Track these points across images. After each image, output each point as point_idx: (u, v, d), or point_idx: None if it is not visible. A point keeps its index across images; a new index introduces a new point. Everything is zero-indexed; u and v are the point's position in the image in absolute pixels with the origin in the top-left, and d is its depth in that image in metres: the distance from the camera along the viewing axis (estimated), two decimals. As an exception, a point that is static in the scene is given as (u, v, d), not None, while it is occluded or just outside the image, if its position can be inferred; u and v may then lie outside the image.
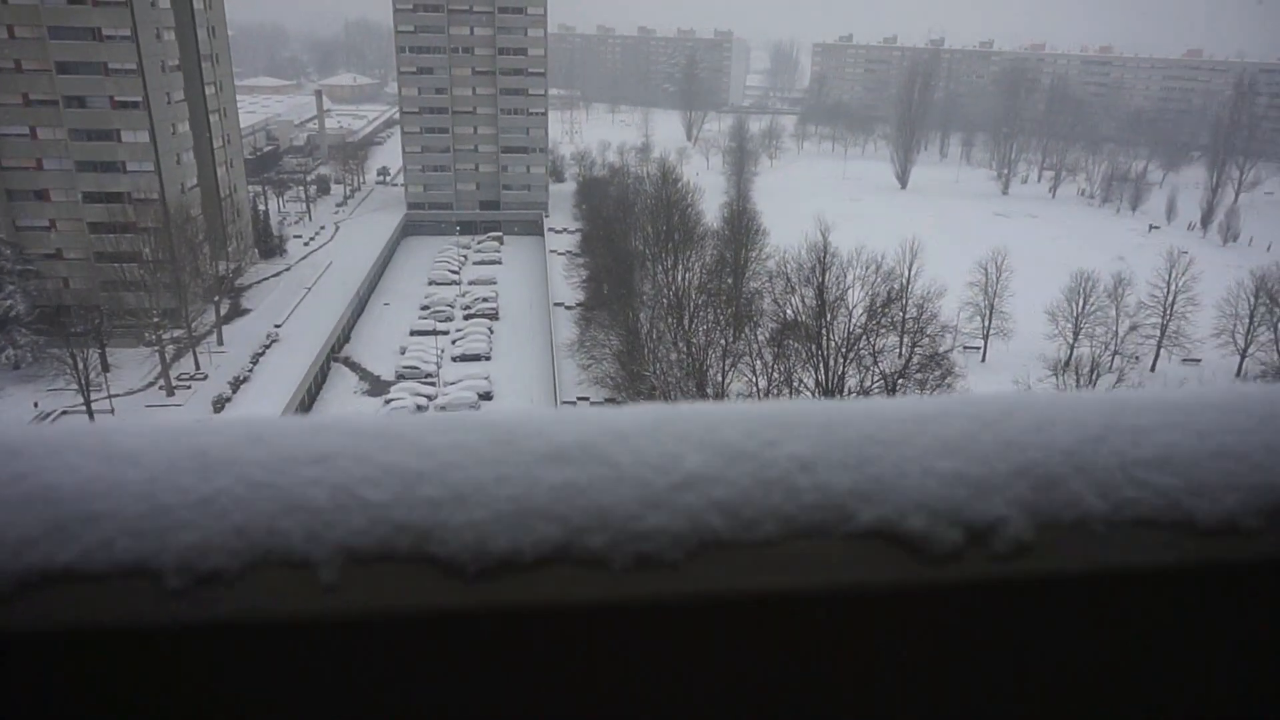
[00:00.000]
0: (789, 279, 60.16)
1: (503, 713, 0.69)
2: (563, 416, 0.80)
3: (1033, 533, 0.74)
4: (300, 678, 0.66)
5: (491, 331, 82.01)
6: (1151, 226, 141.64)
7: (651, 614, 0.68)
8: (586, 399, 65.89)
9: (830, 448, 0.77)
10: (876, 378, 51.55)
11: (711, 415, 0.81)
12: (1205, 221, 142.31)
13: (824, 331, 53.24)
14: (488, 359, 76.07)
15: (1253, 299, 77.54)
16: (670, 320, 69.08)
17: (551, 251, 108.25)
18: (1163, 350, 79.01)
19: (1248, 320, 77.63)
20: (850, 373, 52.66)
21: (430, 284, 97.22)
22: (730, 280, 75.21)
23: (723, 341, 56.77)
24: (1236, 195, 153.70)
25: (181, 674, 0.64)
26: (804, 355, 53.26)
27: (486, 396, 67.32)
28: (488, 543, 0.67)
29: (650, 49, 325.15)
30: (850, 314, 54.76)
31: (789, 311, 58.44)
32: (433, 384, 69.59)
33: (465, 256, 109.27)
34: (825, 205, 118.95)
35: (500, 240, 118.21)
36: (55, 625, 0.62)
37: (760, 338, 57.29)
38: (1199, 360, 78.55)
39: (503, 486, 0.71)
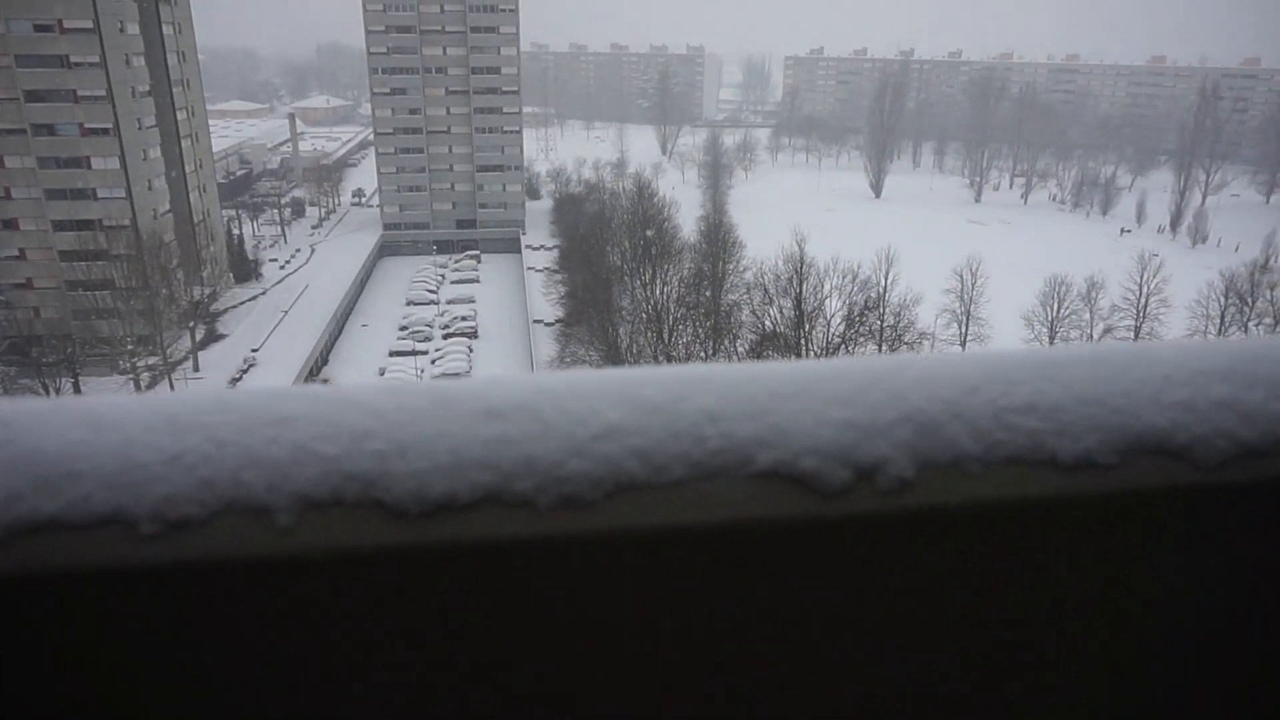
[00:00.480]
0: (766, 290, 60.39)
1: (444, 639, 0.76)
2: (498, 380, 0.90)
3: (913, 471, 0.82)
4: (262, 612, 0.73)
5: (471, 350, 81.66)
6: (1123, 230, 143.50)
7: (574, 549, 0.76)
8: (568, 415, 65.65)
9: (736, 401, 0.85)
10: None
11: (631, 376, 0.89)
12: (1175, 224, 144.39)
13: (803, 342, 53.44)
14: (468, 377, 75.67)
15: (1223, 299, 78.66)
16: (650, 334, 69.13)
17: (529, 269, 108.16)
18: (1137, 352, 79.85)
19: (1219, 320, 78.68)
20: (830, 382, 52.80)
21: (408, 304, 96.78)
22: (708, 293, 75.34)
23: (702, 354, 56.85)
24: (1204, 198, 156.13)
25: (155, 611, 0.71)
26: (784, 366, 53.35)
27: (467, 416, 66.93)
28: (427, 489, 0.75)
29: (623, 65, 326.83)
30: (828, 324, 55.04)
31: (767, 323, 58.67)
32: (413, 405, 69.06)
33: (443, 276, 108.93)
34: (801, 216, 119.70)
35: (478, 259, 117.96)
36: (42, 569, 0.69)
37: (740, 349, 57.44)
38: (1173, 361, 79.49)
39: (442, 440, 0.79)
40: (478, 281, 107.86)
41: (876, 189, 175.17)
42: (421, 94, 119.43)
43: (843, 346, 53.92)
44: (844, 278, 60.66)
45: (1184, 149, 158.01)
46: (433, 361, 78.88)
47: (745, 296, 68.61)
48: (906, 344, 57.19)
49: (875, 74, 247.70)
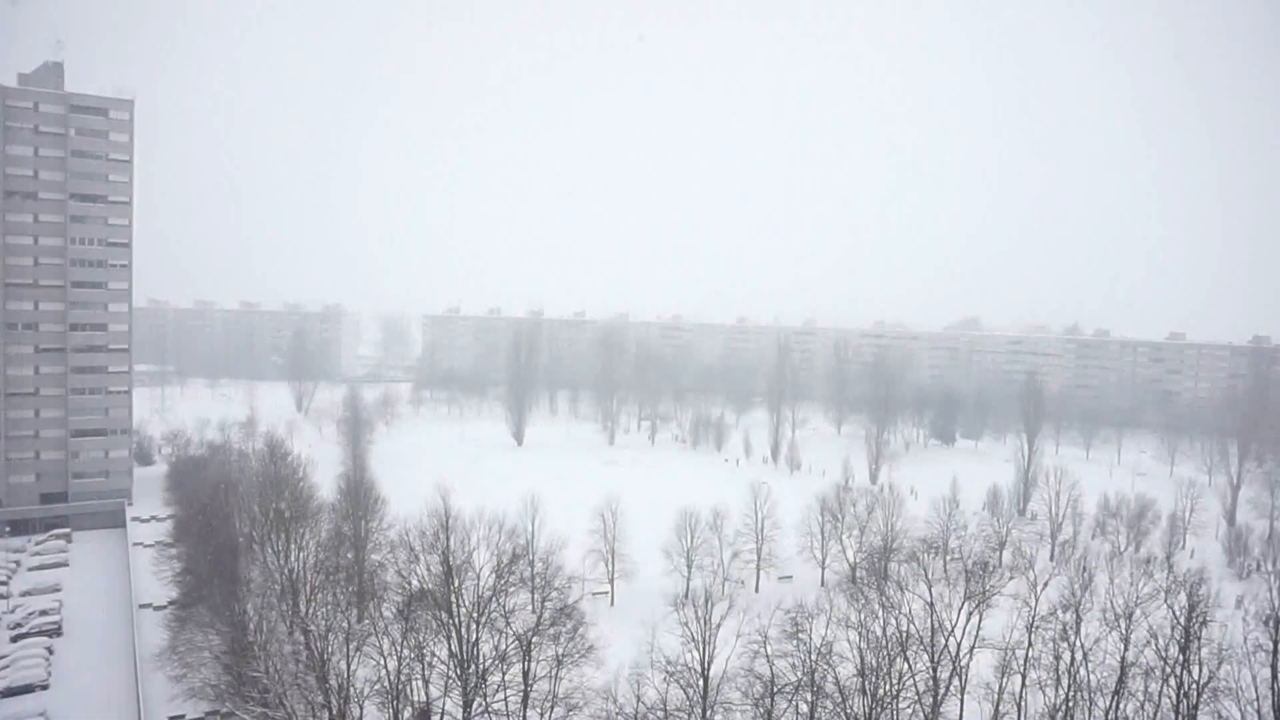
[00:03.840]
0: (412, 548, 58.02)
1: None
2: None
3: None
4: None
5: (51, 653, 67.28)
6: (736, 461, 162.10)
7: None
8: (182, 716, 55.60)
9: None
10: (511, 639, 50.24)
11: None
12: (774, 455, 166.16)
13: (454, 598, 51.33)
14: (45, 688, 61.73)
15: (821, 518, 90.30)
16: (284, 607, 62.30)
17: (137, 544, 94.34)
18: (761, 571, 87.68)
19: (820, 537, 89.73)
20: (484, 637, 50.82)
21: (-35, 602, 78.57)
22: (351, 555, 70.64)
23: (345, 623, 52.10)
24: (793, 431, 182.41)
25: None
26: (435, 625, 50.57)
27: (42, 737, 53.94)
28: None
29: (254, 322, 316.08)
30: (478, 576, 53.71)
31: (415, 581, 55.84)
32: (-39, 734, 54.37)
33: (17, 562, 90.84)
34: (445, 468, 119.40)
35: (68, 537, 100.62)
36: None
37: (387, 613, 53.63)
38: (790, 577, 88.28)
39: None
40: (66, 566, 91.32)
41: (518, 437, 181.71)
42: (0, 351, 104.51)
43: (494, 598, 52.58)
44: (491, 528, 60.41)
45: (772, 391, 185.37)
46: (-4, 672, 63.56)
47: (390, 556, 65.25)
48: (557, 589, 57.37)
49: (509, 330, 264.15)
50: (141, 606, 75.81)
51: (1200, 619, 48.01)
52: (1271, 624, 45.00)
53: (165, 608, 71.66)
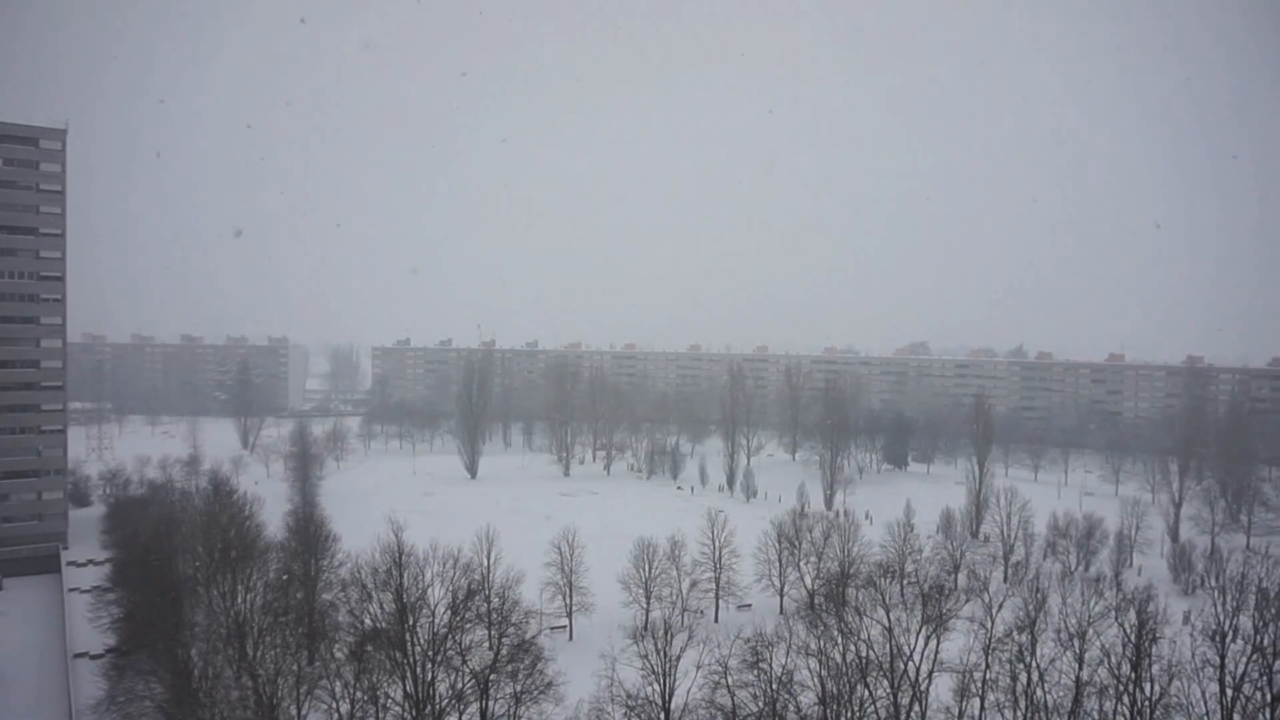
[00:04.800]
0: (364, 586, 56.64)
1: None
2: None
3: None
4: None
5: (-20, 707, 64.09)
6: (692, 489, 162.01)
7: None
8: (121, 770, 53.12)
9: None
10: (468, 677, 49.11)
11: None
12: (730, 482, 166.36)
13: (408, 636, 50.14)
14: (-27, 745, 58.68)
15: (778, 545, 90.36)
16: (231, 651, 60.21)
17: (73, 590, 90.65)
18: (720, 600, 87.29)
19: (778, 564, 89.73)
20: (440, 676, 49.64)
21: (-113, 656, 74.60)
22: (300, 594, 68.68)
23: (295, 666, 50.51)
24: (748, 459, 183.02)
25: None
26: (389, 665, 49.27)
27: (-31, 798, 51.11)
28: None
29: (196, 357, 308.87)
30: (433, 614, 52.57)
31: (368, 620, 54.47)
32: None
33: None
34: (398, 502, 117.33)
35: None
36: None
37: (339, 654, 52.16)
38: (750, 605, 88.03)
39: None
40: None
41: (472, 470, 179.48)
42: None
43: (449, 636, 51.41)
44: (445, 563, 59.24)
45: (726, 419, 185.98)
46: (-81, 730, 60.30)
47: (341, 595, 63.58)
48: (514, 625, 56.34)
49: (461, 362, 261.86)
50: (77, 655, 72.68)
51: (1150, 636, 48.86)
52: (1217, 639, 45.98)
53: (103, 656, 68.75)
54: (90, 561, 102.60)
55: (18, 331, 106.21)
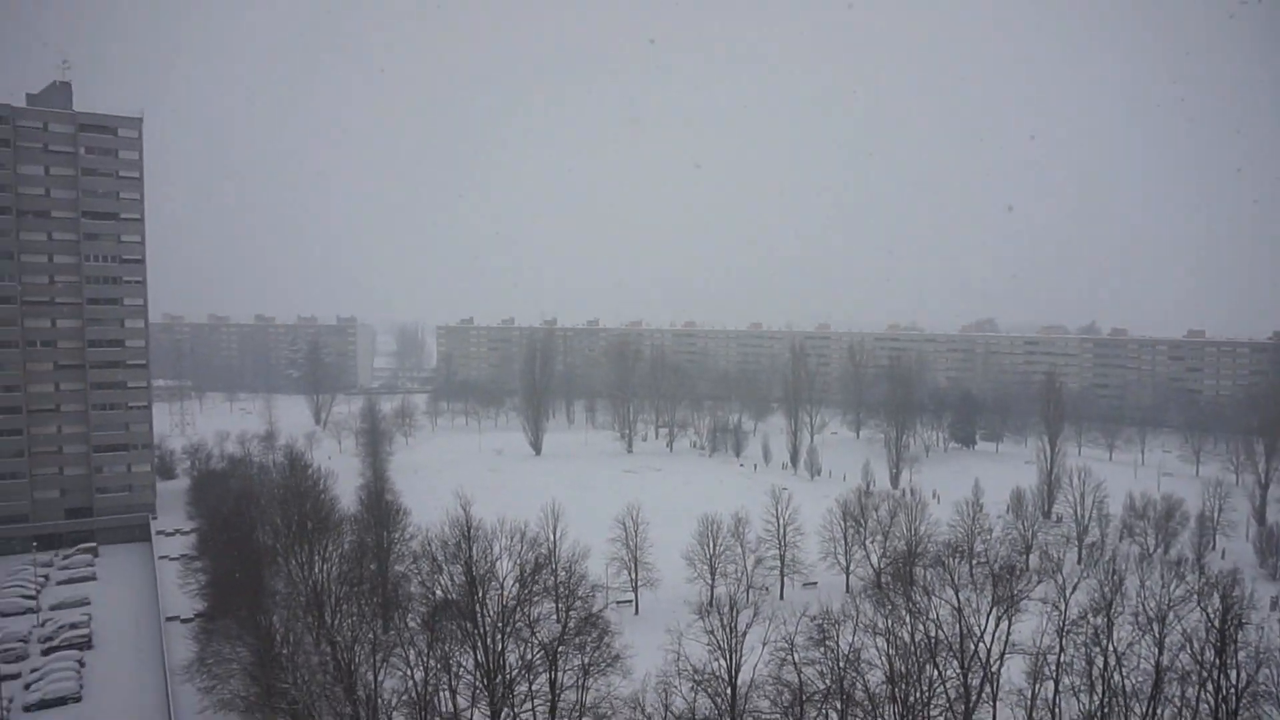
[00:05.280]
0: (435, 558, 57.97)
1: None
2: None
3: None
4: None
5: (82, 665, 67.68)
6: (755, 467, 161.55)
7: None
8: (210, 729, 55.71)
9: None
10: (537, 649, 50.07)
11: None
12: (794, 460, 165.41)
13: (478, 608, 51.23)
14: (77, 700, 62.06)
15: (843, 523, 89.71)
16: (310, 619, 62.43)
17: (162, 557, 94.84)
18: (785, 577, 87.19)
19: (844, 542, 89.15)
20: (510, 647, 50.68)
21: (-6, 617, 79.29)
22: (374, 566, 70.66)
23: (371, 635, 52.08)
24: (812, 436, 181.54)
25: None
26: (460, 635, 50.48)
27: (72, 751, 54.20)
28: None
29: (269, 336, 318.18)
30: (502, 586, 53.58)
31: (439, 592, 55.77)
32: (-7, 749, 54.71)
33: (46, 577, 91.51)
34: (465, 478, 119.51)
35: (94, 552, 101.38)
36: None
37: (412, 624, 53.59)
38: (815, 583, 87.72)
39: None
40: (94, 579, 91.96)
41: (536, 446, 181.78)
42: (22, 369, 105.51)
43: (518, 608, 52.44)
44: (513, 537, 60.24)
45: (789, 397, 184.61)
46: (27, 686, 63.95)
47: (413, 567, 65.21)
48: (581, 599, 57.12)
49: (523, 340, 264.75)
50: (169, 619, 76.16)
51: (1235, 621, 47.28)
52: (1309, 625, 44.34)
53: (192, 620, 71.99)
54: (177, 531, 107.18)
55: (103, 312, 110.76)
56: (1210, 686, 45.76)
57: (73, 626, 74.55)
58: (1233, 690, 44.78)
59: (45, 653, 70.70)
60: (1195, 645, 47.20)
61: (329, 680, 49.53)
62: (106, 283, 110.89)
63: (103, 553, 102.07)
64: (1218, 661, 45.80)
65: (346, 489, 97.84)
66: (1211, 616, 47.80)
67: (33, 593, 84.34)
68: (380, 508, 78.50)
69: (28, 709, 60.48)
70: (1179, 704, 46.66)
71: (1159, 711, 47.16)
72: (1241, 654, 46.21)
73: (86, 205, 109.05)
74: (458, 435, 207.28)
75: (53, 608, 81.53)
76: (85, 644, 72.04)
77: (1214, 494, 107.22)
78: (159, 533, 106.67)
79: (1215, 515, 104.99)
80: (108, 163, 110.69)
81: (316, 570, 67.53)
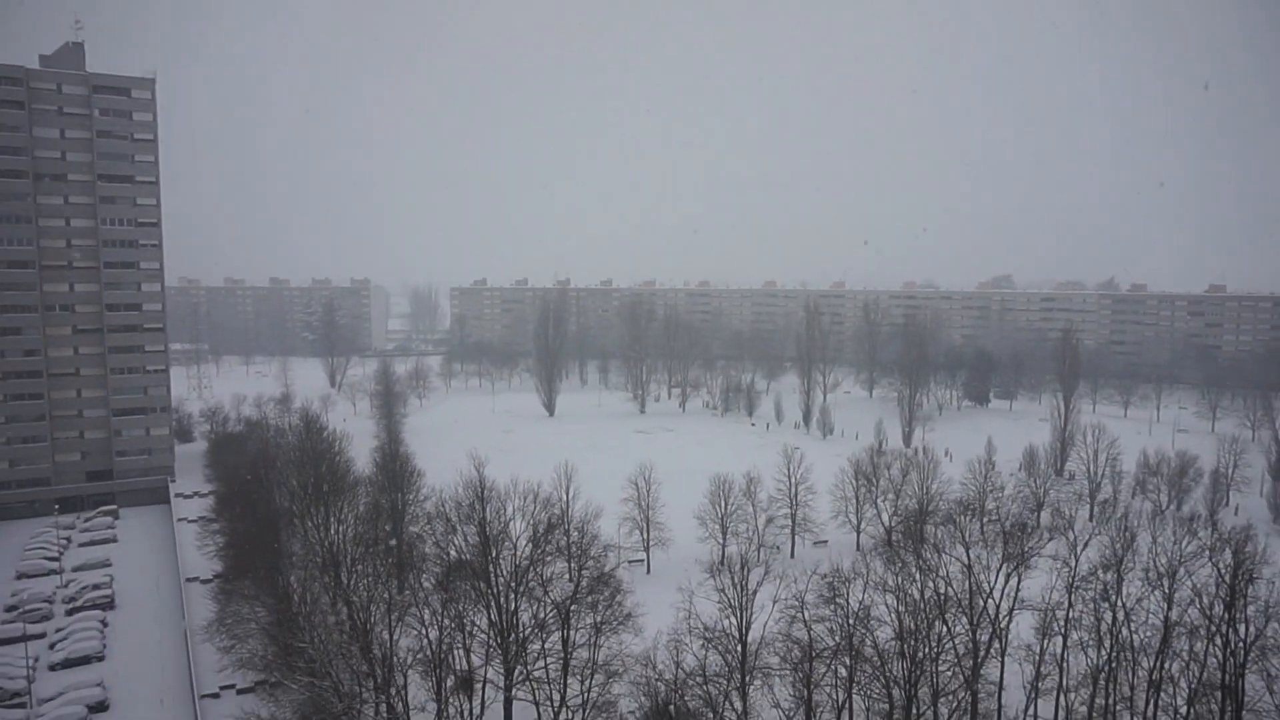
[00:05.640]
0: (449, 519, 58.58)
1: None
2: None
3: None
4: None
5: (105, 625, 69.19)
6: (767, 426, 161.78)
7: None
8: (232, 686, 57.03)
9: None
10: (549, 608, 50.72)
11: None
12: (806, 419, 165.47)
13: (491, 568, 51.84)
14: (100, 659, 63.52)
15: (855, 482, 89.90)
16: (326, 579, 63.32)
17: (181, 520, 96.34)
18: (796, 536, 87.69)
19: (855, 501, 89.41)
20: (523, 606, 51.36)
21: (19, 578, 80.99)
22: (389, 527, 71.56)
23: (386, 595, 52.87)
24: (824, 395, 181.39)
25: None
26: (474, 595, 51.17)
27: (100, 707, 55.56)
28: None
29: (284, 299, 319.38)
30: (515, 546, 54.14)
31: (453, 552, 56.43)
32: (23, 704, 56.14)
33: (68, 539, 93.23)
34: (479, 439, 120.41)
35: (115, 514, 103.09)
36: None
37: (427, 584, 54.32)
38: (826, 541, 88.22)
39: None
40: (115, 541, 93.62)
41: (550, 407, 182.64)
42: (41, 333, 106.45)
43: (531, 568, 53.04)
44: (526, 498, 60.78)
45: (802, 356, 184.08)
46: (52, 646, 65.49)
47: (427, 527, 65.99)
48: (593, 558, 57.72)
49: (537, 301, 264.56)
50: (189, 580, 77.57)
51: (1246, 576, 47.23)
52: (1320, 580, 44.25)
53: (211, 581, 73.28)
54: (196, 494, 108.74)
55: (120, 276, 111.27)
56: (1219, 640, 45.88)
57: (95, 587, 76.10)
58: (1241, 644, 44.88)
59: (69, 613, 72.26)
60: (1204, 600, 47.24)
61: (345, 639, 50.39)
62: (123, 246, 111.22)
63: (123, 515, 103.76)
64: (1227, 616, 45.85)
65: (361, 451, 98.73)
66: (1222, 571, 47.76)
67: (56, 555, 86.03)
68: (395, 469, 79.20)
69: (53, 668, 61.97)
70: (1187, 658, 46.86)
71: (1166, 665, 47.39)
72: (1251, 608, 46.24)
73: (102, 168, 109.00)
74: (471, 397, 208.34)
75: (75, 569, 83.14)
76: (108, 604, 73.58)
77: (1229, 450, 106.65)
78: (178, 495, 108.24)
79: (1230, 471, 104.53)
80: (122, 124, 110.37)
81: (332, 531, 68.40)
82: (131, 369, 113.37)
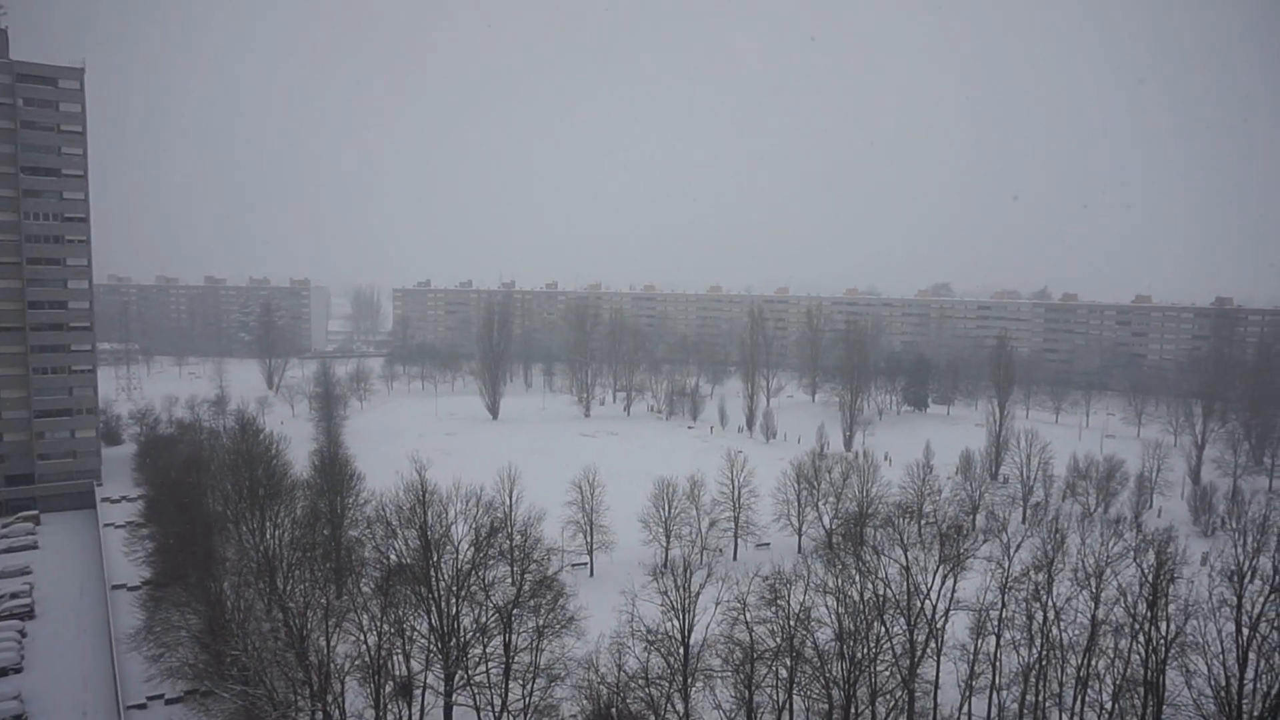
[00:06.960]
0: (389, 523, 57.65)
1: None
2: None
3: None
4: None
5: (24, 635, 66.47)
6: (711, 430, 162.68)
7: None
8: (160, 697, 55.25)
9: None
10: (491, 612, 50.23)
11: None
12: (750, 423, 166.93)
13: (432, 572, 51.16)
14: (18, 671, 61.00)
15: (797, 485, 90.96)
16: (261, 585, 61.76)
17: (108, 525, 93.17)
18: (739, 539, 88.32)
19: (797, 504, 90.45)
20: (464, 610, 50.77)
21: (-67, 587, 77.38)
22: (327, 531, 70.11)
23: (324, 600, 51.78)
24: (768, 400, 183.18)
25: None
26: (414, 599, 50.43)
27: (17, 721, 53.33)
28: None
29: (220, 298, 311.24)
30: (457, 550, 53.52)
31: (393, 556, 55.53)
32: (-66, 720, 53.61)
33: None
34: (421, 442, 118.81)
35: (36, 520, 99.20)
36: None
37: (366, 589, 53.37)
38: (768, 544, 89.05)
39: None
40: (35, 548, 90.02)
41: (493, 410, 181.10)
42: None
43: (473, 572, 52.47)
44: (468, 502, 60.10)
45: (746, 360, 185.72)
46: (-33, 657, 62.66)
47: (367, 532, 64.80)
48: (536, 561, 57.37)
49: (481, 303, 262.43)
50: (115, 587, 75.00)
51: (1168, 576, 48.98)
52: (1235, 579, 46.09)
53: (139, 588, 70.98)
54: (123, 498, 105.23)
55: (45, 273, 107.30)
56: (1142, 638, 47.49)
57: (13, 596, 73.09)
58: (1162, 641, 46.52)
59: (-13, 622, 69.27)
60: (1129, 599, 48.89)
61: (280, 646, 49.18)
62: (48, 242, 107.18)
63: (45, 520, 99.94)
64: (1149, 614, 47.49)
65: (299, 454, 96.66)
66: (1146, 572, 49.47)
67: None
68: (334, 472, 77.67)
69: (-31, 679, 59.31)
70: (1112, 655, 48.44)
71: (1093, 663, 48.91)
72: (1172, 607, 47.97)
73: (26, 160, 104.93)
74: (414, 399, 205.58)
75: (-5, 576, 79.78)
76: (27, 614, 70.72)
77: (1153, 455, 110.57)
78: (104, 500, 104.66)
79: (1154, 475, 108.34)
80: (48, 115, 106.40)
81: (268, 536, 66.79)
82: (56, 369, 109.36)
